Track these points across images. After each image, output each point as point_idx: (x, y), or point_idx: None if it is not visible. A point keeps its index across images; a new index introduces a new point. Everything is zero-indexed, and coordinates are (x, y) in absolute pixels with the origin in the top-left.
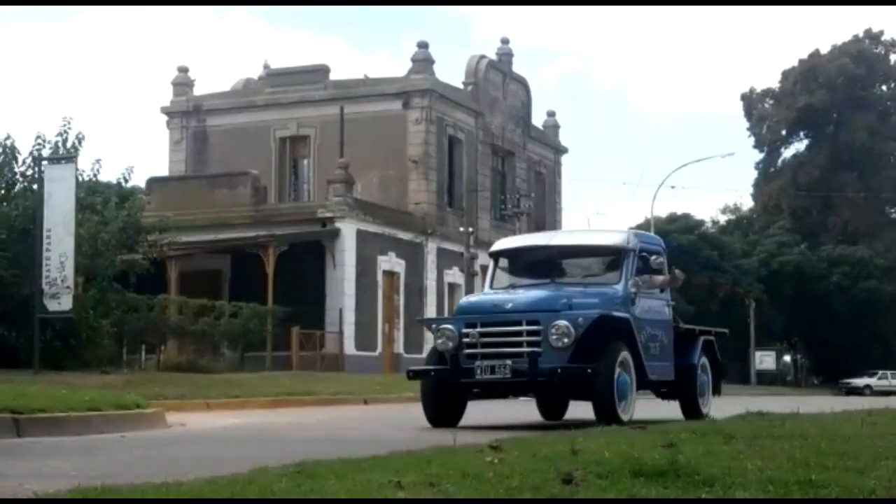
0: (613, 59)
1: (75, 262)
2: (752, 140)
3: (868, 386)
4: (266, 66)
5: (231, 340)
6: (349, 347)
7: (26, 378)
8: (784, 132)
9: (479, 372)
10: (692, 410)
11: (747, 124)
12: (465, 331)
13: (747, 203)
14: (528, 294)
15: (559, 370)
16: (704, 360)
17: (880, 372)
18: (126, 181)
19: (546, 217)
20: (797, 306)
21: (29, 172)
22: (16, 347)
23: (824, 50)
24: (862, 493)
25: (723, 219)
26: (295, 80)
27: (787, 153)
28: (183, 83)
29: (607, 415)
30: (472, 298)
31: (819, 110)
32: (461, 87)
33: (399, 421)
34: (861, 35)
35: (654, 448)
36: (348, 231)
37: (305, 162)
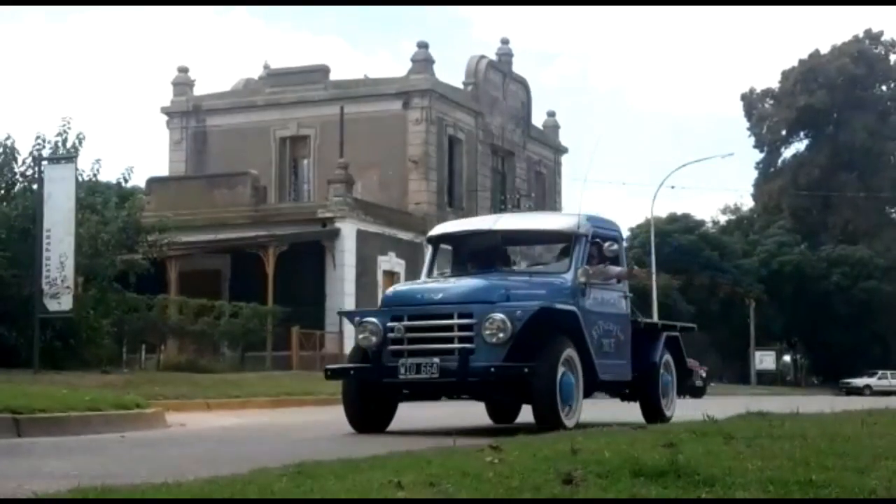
0: (613, 59)
1: (75, 262)
2: (752, 140)
3: (868, 386)
4: (266, 66)
5: (231, 340)
6: (349, 347)
7: (26, 378)
8: (784, 132)
9: (403, 371)
10: (653, 413)
11: (747, 124)
12: (390, 324)
13: (747, 203)
14: (461, 284)
15: (493, 369)
16: (668, 358)
17: (880, 372)
18: (126, 181)
19: None
20: (797, 306)
21: (29, 172)
22: (16, 347)
23: (824, 50)
24: (862, 493)
25: (723, 219)
26: (295, 80)
27: (788, 153)
28: (183, 83)
29: (548, 419)
30: (400, 288)
31: (819, 110)
32: (461, 87)
33: (399, 421)
34: (861, 35)
35: (654, 448)
36: (348, 231)
37: (305, 162)
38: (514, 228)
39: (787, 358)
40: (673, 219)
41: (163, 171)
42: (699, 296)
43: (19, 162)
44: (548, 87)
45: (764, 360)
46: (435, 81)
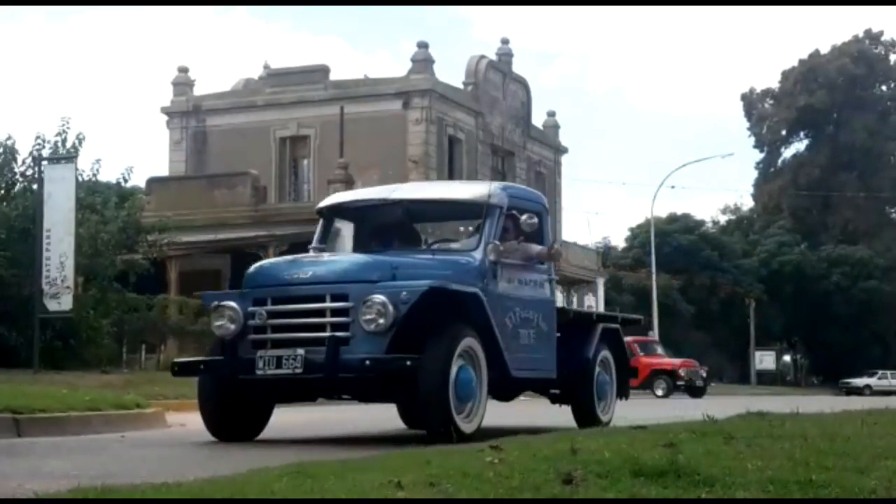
0: (613, 59)
1: (75, 262)
2: (752, 140)
3: (868, 386)
4: (266, 66)
5: None
6: None
7: (26, 378)
8: (784, 132)
9: (261, 365)
10: (586, 418)
11: (747, 124)
12: (251, 309)
13: (747, 203)
14: (336, 259)
15: (368, 362)
16: (606, 354)
17: (880, 372)
18: (126, 181)
19: None
20: (797, 306)
21: (29, 172)
22: (16, 347)
23: (824, 50)
24: (862, 493)
25: (723, 219)
26: (295, 80)
27: (788, 153)
28: (183, 83)
29: (437, 422)
30: (265, 264)
31: (819, 110)
32: (461, 87)
33: (399, 421)
34: (861, 35)
35: (654, 448)
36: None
37: (305, 162)
38: (414, 198)
39: (787, 358)
40: (673, 219)
41: (163, 171)
42: (699, 296)
43: (19, 162)
44: (548, 87)
45: (764, 360)
46: (435, 81)
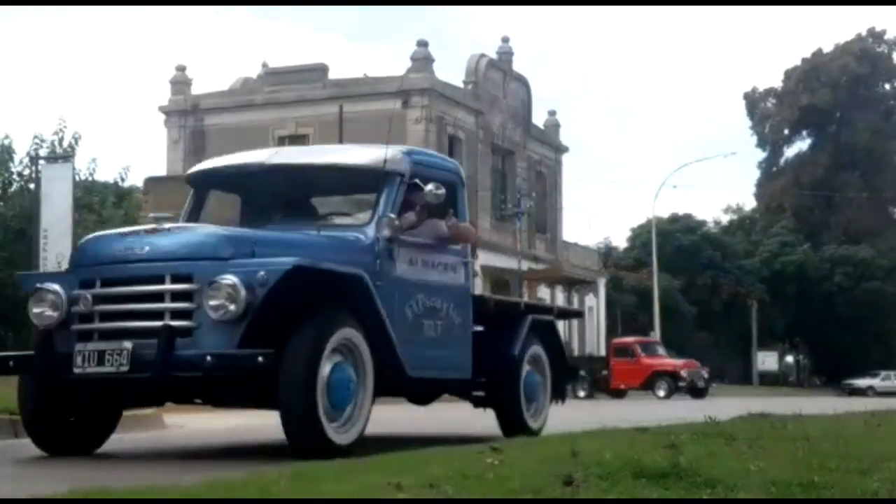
0: (614, 58)
1: None
2: (754, 139)
3: (871, 387)
4: (264, 65)
5: None
6: None
7: None
8: (787, 131)
9: (80, 361)
10: (512, 422)
11: (750, 123)
12: (76, 293)
13: (750, 203)
14: (181, 232)
15: (209, 359)
16: (537, 350)
17: (883, 373)
18: (123, 180)
19: (547, 217)
20: (800, 307)
21: (26, 172)
22: (13, 348)
23: (827, 49)
24: (865, 495)
25: (725, 219)
26: (293, 78)
27: (790, 152)
28: (181, 82)
29: (301, 433)
30: (96, 237)
31: (822, 109)
32: (461, 85)
33: (400, 420)
34: (864, 34)
35: (655, 449)
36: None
37: None
38: (296, 164)
39: (789, 359)
40: (675, 219)
41: (161, 170)
42: (701, 296)
43: (16, 162)
44: (548, 86)
45: (766, 360)
46: (435, 80)
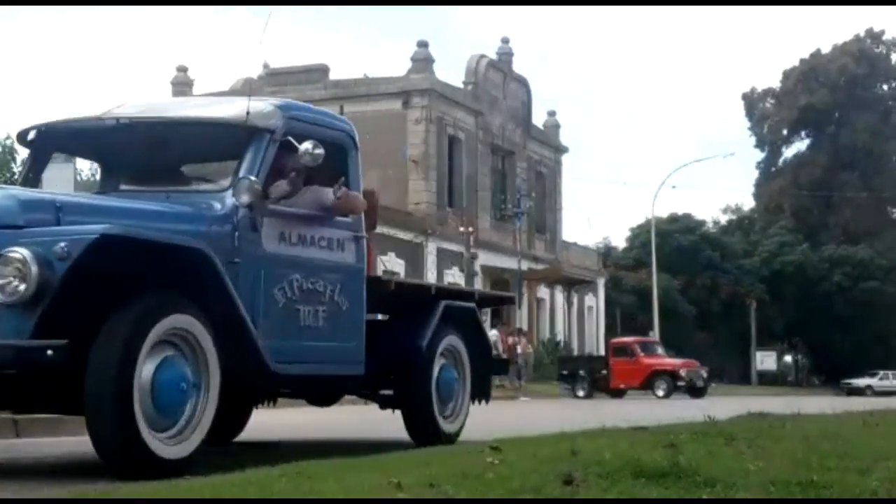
0: (614, 58)
1: None
2: (753, 140)
3: (869, 386)
4: (265, 66)
5: None
6: None
7: None
8: (785, 132)
9: None
10: (421, 425)
11: (748, 124)
12: None
13: (748, 203)
14: None
15: None
16: (454, 341)
17: (881, 372)
18: None
19: (546, 217)
20: (798, 307)
21: None
22: None
23: (825, 49)
24: (864, 494)
25: (724, 219)
26: (294, 79)
27: (789, 153)
28: (182, 83)
29: (113, 445)
30: None
31: (820, 110)
32: (461, 86)
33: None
34: (862, 34)
35: (654, 449)
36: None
37: None
38: (143, 118)
39: (788, 358)
40: (674, 219)
41: None
42: (700, 296)
43: (17, 162)
44: (548, 87)
45: (765, 360)
46: (435, 81)
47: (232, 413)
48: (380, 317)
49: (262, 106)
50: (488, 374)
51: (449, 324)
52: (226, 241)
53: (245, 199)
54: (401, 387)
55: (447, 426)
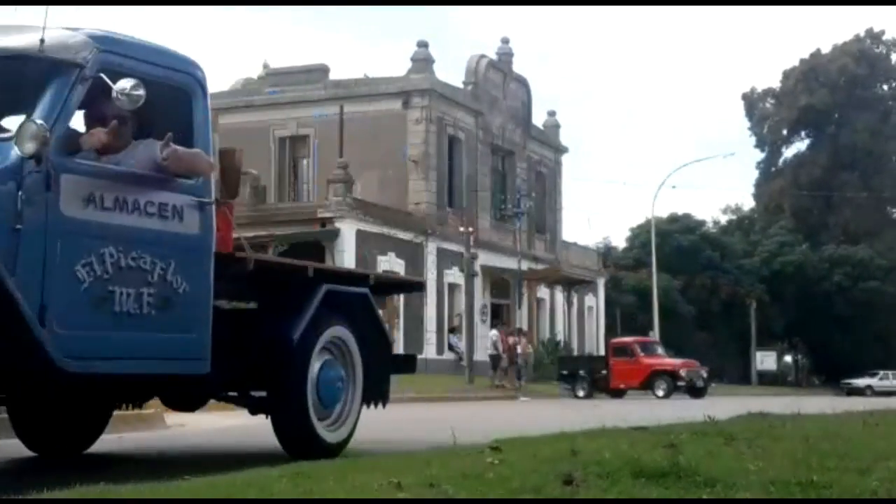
0: (614, 58)
1: None
2: (753, 140)
3: (869, 386)
4: (265, 66)
5: None
6: None
7: None
8: (785, 132)
9: None
10: (295, 434)
11: (748, 124)
12: None
13: (748, 203)
14: None
15: None
16: (339, 333)
17: (881, 372)
18: None
19: (546, 217)
20: (798, 307)
21: None
22: None
23: (825, 49)
24: (864, 494)
25: (724, 219)
26: (294, 79)
27: (789, 153)
28: None
29: None
30: None
31: (820, 110)
32: (461, 86)
33: (399, 422)
34: (862, 35)
35: (654, 449)
36: (348, 231)
37: (305, 162)
38: None
39: (788, 358)
40: (674, 219)
41: None
42: (700, 296)
43: None
44: (548, 87)
45: (765, 360)
46: (435, 81)
47: (84, 418)
48: (239, 305)
49: (66, 35)
50: (387, 372)
51: (334, 312)
52: (4, 202)
53: (29, 148)
54: (270, 388)
55: (328, 435)
